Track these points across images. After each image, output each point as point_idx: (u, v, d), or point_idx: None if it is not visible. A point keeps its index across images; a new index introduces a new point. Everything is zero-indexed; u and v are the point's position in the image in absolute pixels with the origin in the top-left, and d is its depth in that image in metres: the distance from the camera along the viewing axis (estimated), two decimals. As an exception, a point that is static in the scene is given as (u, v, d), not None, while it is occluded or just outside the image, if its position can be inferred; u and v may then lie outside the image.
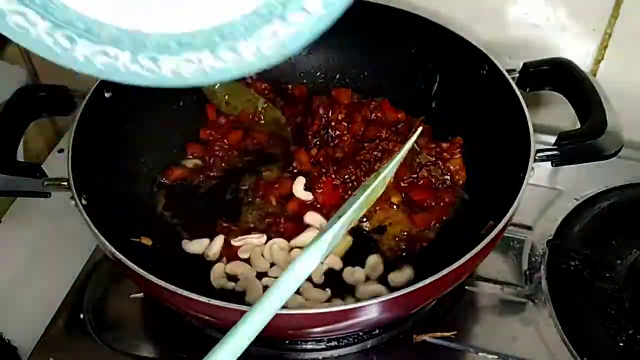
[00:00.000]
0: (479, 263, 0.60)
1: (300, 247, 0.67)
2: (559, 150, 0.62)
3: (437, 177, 0.71)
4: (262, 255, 0.66)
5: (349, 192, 0.70)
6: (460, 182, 0.71)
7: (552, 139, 0.63)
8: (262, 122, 0.78)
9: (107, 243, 0.54)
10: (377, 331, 0.63)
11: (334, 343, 0.62)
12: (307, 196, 0.71)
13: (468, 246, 0.53)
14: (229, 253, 0.66)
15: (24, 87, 0.71)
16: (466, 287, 0.67)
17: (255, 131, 0.78)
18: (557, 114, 0.84)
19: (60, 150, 0.86)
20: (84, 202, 0.57)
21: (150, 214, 0.70)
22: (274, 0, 0.23)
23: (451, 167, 0.71)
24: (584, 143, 0.61)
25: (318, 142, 0.75)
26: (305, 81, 0.84)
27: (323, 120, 0.76)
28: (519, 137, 0.62)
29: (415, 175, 0.71)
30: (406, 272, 0.64)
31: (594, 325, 0.63)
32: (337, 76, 0.83)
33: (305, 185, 0.71)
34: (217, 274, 0.64)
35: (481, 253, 0.53)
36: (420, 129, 0.60)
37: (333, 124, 0.76)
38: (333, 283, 0.64)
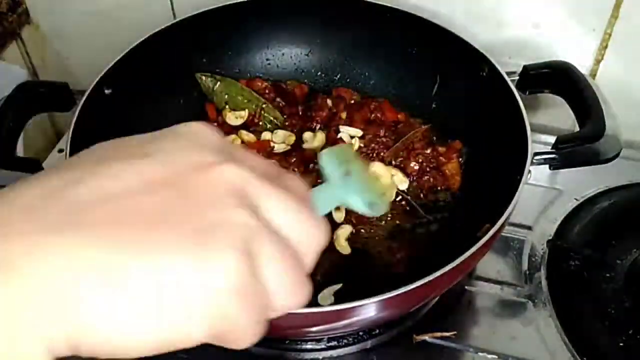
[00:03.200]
0: (473, 265, 0.60)
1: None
2: (557, 154, 0.62)
3: (432, 180, 0.71)
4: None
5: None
6: (455, 186, 0.71)
7: (551, 139, 0.63)
8: (262, 122, 0.78)
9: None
10: (377, 331, 0.63)
11: (333, 343, 0.62)
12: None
13: (465, 248, 0.53)
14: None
15: (24, 82, 0.70)
16: (466, 287, 0.67)
17: (255, 131, 0.78)
18: (557, 114, 0.84)
19: (60, 150, 0.85)
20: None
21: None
22: None
23: (447, 171, 0.71)
24: (582, 147, 0.61)
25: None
26: (306, 81, 0.83)
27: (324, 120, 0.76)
28: (517, 140, 0.62)
29: (411, 179, 0.71)
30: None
31: (594, 325, 0.63)
32: (338, 76, 0.83)
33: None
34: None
35: (475, 255, 0.53)
36: None
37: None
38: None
